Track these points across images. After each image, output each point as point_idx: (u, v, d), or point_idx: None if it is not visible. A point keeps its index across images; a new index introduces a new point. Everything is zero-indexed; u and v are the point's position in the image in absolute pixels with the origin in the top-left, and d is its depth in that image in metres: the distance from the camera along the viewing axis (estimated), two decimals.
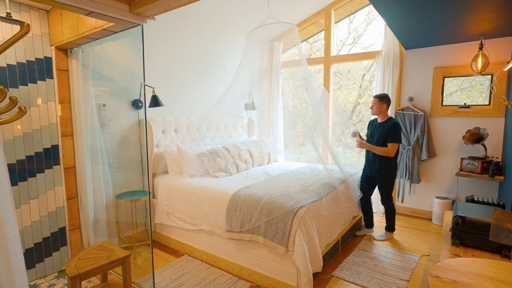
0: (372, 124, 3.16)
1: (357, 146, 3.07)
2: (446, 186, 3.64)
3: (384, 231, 3.27)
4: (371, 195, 3.24)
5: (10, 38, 1.17)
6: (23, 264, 1.21)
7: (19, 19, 2.21)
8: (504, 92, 3.18)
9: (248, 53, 3.24)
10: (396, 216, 3.87)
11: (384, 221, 3.72)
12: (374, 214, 3.94)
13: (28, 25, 1.18)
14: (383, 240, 3.16)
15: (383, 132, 2.93)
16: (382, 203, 3.13)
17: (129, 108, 3.01)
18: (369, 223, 3.28)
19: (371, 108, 3.04)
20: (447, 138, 3.58)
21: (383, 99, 2.97)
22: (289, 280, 2.19)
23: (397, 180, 3.94)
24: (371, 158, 3.07)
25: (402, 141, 3.79)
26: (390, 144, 2.89)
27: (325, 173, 3.08)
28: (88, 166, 2.52)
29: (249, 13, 3.82)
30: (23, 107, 1.24)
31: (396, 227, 3.52)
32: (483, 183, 3.38)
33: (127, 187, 2.98)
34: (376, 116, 3.11)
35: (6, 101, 1.21)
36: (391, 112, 3.79)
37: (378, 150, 2.93)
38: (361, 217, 3.47)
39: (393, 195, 4.00)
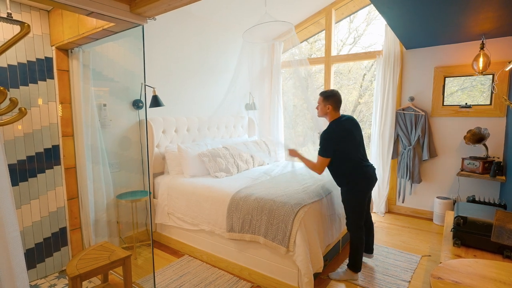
0: None
1: (289, 154, 2.54)
2: (447, 186, 3.63)
3: (345, 267, 2.45)
4: (369, 208, 2.61)
5: (11, 39, 1.17)
6: (24, 264, 1.21)
7: (20, 20, 2.21)
8: (505, 92, 3.17)
9: (246, 52, 3.21)
10: (397, 216, 3.85)
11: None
12: (373, 214, 3.91)
13: (29, 25, 1.18)
14: (339, 280, 2.38)
15: None
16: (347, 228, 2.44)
17: (130, 108, 3.01)
18: (369, 247, 2.63)
19: (317, 108, 2.43)
20: (448, 138, 3.57)
21: (328, 98, 2.31)
22: (290, 281, 2.19)
23: (397, 180, 3.93)
24: None
25: (403, 141, 3.76)
26: (318, 157, 2.32)
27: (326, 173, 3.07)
28: (89, 166, 2.52)
29: (250, 13, 3.82)
30: (23, 108, 1.24)
31: (396, 227, 3.51)
32: (484, 183, 3.37)
33: (128, 187, 2.98)
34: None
35: (7, 102, 1.21)
36: (391, 112, 3.77)
37: (306, 163, 2.41)
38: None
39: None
